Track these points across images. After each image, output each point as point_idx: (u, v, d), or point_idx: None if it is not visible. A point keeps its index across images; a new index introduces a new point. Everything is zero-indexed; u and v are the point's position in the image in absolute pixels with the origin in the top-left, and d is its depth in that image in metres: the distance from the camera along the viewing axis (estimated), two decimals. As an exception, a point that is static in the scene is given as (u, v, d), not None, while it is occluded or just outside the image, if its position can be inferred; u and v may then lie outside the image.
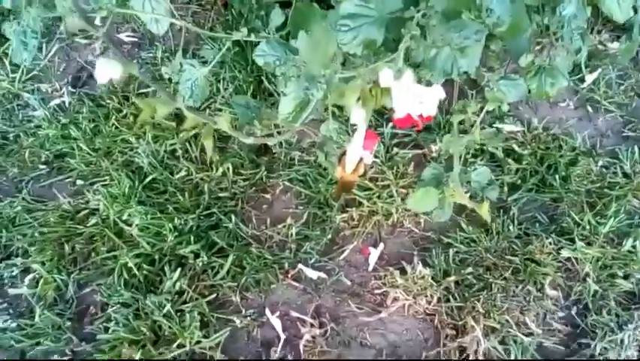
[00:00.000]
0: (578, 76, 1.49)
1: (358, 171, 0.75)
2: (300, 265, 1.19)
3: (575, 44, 1.19)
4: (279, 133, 0.97)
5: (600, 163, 1.30)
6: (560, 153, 1.31)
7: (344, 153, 0.75)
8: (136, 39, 1.68)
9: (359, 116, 0.63)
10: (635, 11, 1.10)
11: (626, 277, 1.13)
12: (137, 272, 1.16)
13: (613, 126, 1.42)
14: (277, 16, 1.36)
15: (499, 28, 0.91)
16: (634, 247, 1.15)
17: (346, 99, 0.61)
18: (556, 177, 1.27)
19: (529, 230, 1.20)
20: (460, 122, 1.39)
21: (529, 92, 1.18)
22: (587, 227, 1.18)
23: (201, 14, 1.67)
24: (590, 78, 1.51)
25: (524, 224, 1.21)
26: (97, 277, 1.19)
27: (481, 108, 1.03)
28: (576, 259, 1.14)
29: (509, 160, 1.31)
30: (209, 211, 1.27)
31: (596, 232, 1.18)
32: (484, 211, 0.73)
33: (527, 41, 1.20)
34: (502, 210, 1.24)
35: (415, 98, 0.53)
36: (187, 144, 1.39)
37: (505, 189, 1.27)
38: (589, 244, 1.16)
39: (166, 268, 1.17)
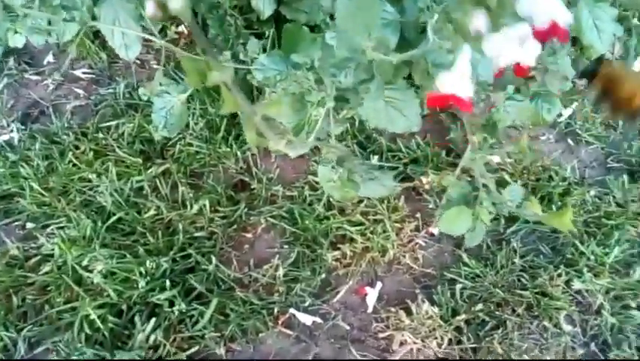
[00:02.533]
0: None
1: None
2: (291, 310, 1.06)
3: (565, 71, 1.18)
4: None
5: (593, 193, 1.27)
6: (552, 184, 1.27)
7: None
8: (93, 75, 1.56)
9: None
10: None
11: (639, 307, 1.07)
12: (101, 325, 0.99)
13: (596, 158, 1.41)
14: (253, 46, 1.29)
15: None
16: (642, 276, 1.10)
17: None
18: (553, 207, 1.22)
19: (534, 263, 1.14)
20: (447, 154, 1.36)
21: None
22: (592, 257, 1.13)
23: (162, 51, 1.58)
24: (566, 113, 1.52)
25: (527, 256, 1.15)
26: (52, 334, 1.00)
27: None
28: (587, 290, 1.08)
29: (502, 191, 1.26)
30: (184, 253, 1.13)
31: (602, 262, 1.12)
32: (568, 219, 0.65)
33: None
34: (502, 243, 1.17)
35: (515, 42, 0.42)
36: (156, 180, 1.26)
37: (502, 221, 1.21)
38: (596, 275, 1.11)
39: (136, 319, 1.00)
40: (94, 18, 1.01)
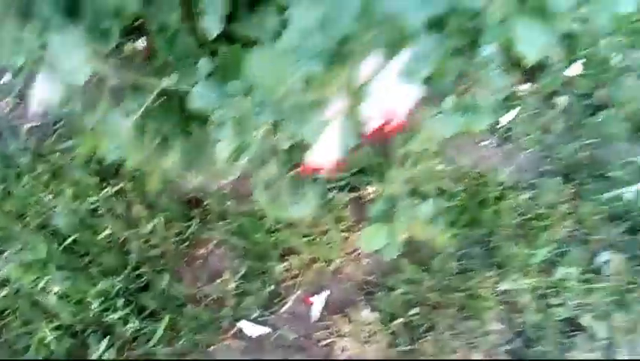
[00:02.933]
0: (496, 116, 1.57)
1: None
2: (240, 322, 1.12)
3: (495, 84, 1.26)
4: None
5: (525, 196, 1.36)
6: (488, 189, 1.36)
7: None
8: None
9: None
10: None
11: (560, 304, 1.16)
12: (57, 347, 1.04)
13: (532, 162, 1.50)
14: (205, 64, 1.33)
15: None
16: (565, 274, 1.19)
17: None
18: (488, 212, 1.31)
19: (468, 265, 1.22)
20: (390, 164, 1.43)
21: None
22: (521, 258, 1.21)
23: (121, 65, 1.61)
24: (506, 118, 1.60)
25: (462, 260, 1.23)
26: (10, 356, 1.05)
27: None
28: (515, 290, 1.17)
29: (442, 198, 1.34)
30: (138, 272, 1.18)
31: (530, 262, 1.21)
32: (442, 241, 0.72)
33: (451, 83, 1.26)
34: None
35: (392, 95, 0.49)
36: (111, 199, 1.31)
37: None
38: (525, 275, 1.19)
39: (91, 339, 1.05)
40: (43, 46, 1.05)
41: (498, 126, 1.57)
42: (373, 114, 0.49)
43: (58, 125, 1.49)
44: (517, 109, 1.59)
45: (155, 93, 1.18)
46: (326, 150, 0.47)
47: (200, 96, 0.99)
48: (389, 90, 0.49)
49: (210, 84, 0.97)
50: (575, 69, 1.68)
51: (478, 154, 1.50)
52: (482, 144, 1.54)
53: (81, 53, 1.07)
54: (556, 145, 1.53)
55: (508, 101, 1.62)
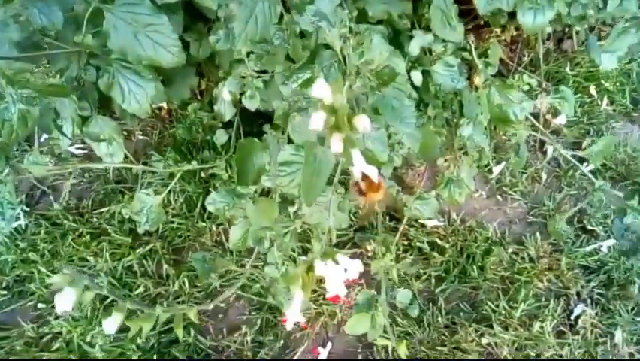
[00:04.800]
0: (487, 168, 1.72)
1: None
2: (257, 372, 1.31)
3: (476, 157, 1.42)
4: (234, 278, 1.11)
5: (510, 250, 1.51)
6: (476, 244, 1.51)
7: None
8: (86, 151, 1.79)
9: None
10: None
11: (537, 356, 1.32)
12: (103, 396, 1.24)
13: (519, 214, 1.64)
14: (221, 136, 1.53)
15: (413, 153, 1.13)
16: (542, 327, 1.35)
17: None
18: (474, 267, 1.47)
19: (456, 319, 1.38)
20: (390, 219, 1.59)
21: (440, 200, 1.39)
22: (503, 312, 1.37)
23: (147, 122, 1.79)
24: (497, 169, 1.75)
25: (450, 314, 1.39)
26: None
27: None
28: (495, 343, 1.33)
29: (434, 253, 1.50)
30: (168, 326, 1.37)
31: (511, 316, 1.37)
32: (403, 349, 0.89)
33: (439, 150, 1.43)
34: (431, 302, 1.42)
35: (341, 281, 0.69)
36: (143, 259, 1.50)
37: (433, 281, 1.46)
38: (505, 328, 1.35)
39: (131, 390, 1.26)
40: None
41: (491, 177, 1.72)
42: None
43: (94, 185, 1.69)
44: (506, 161, 1.74)
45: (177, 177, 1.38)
46: (295, 314, 0.65)
47: (214, 202, 1.18)
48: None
49: (222, 191, 1.16)
50: (562, 118, 1.81)
51: (469, 207, 1.65)
52: (474, 196, 1.69)
53: (118, 142, 1.27)
54: (542, 196, 1.67)
55: (500, 151, 1.76)
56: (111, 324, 0.62)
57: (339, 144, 0.47)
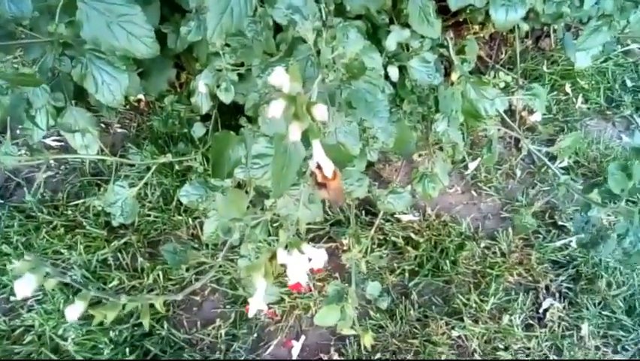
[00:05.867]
0: (463, 163, 1.74)
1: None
2: (230, 365, 1.32)
3: (450, 153, 1.44)
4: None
5: (482, 245, 1.54)
6: (449, 239, 1.53)
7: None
8: (63, 143, 1.77)
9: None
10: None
11: (506, 348, 1.35)
12: (74, 389, 1.24)
13: (492, 209, 1.67)
14: (199, 129, 1.53)
15: (387, 147, 1.14)
16: (511, 320, 1.37)
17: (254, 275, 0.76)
18: (447, 261, 1.49)
19: (427, 313, 1.40)
20: (366, 214, 1.61)
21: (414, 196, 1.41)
22: (474, 306, 1.40)
23: (125, 115, 1.78)
24: (472, 165, 1.77)
25: (423, 307, 1.41)
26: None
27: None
28: (465, 336, 1.35)
29: (408, 248, 1.52)
30: (141, 320, 1.37)
31: (481, 309, 1.39)
32: (368, 340, 0.91)
33: (414, 146, 1.44)
34: (404, 296, 1.44)
35: (304, 270, 0.70)
36: (118, 252, 1.50)
37: (406, 275, 1.48)
38: (475, 321, 1.38)
39: (104, 382, 1.26)
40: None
41: (467, 173, 1.74)
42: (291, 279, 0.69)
43: (70, 178, 1.67)
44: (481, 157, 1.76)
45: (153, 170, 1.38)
46: (258, 302, 0.66)
47: (188, 194, 1.18)
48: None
49: (195, 184, 1.16)
50: (537, 115, 1.84)
51: (445, 202, 1.67)
52: (449, 191, 1.71)
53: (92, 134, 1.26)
54: (516, 191, 1.70)
55: (477, 147, 1.79)
56: (73, 312, 0.62)
57: (297, 132, 0.48)
